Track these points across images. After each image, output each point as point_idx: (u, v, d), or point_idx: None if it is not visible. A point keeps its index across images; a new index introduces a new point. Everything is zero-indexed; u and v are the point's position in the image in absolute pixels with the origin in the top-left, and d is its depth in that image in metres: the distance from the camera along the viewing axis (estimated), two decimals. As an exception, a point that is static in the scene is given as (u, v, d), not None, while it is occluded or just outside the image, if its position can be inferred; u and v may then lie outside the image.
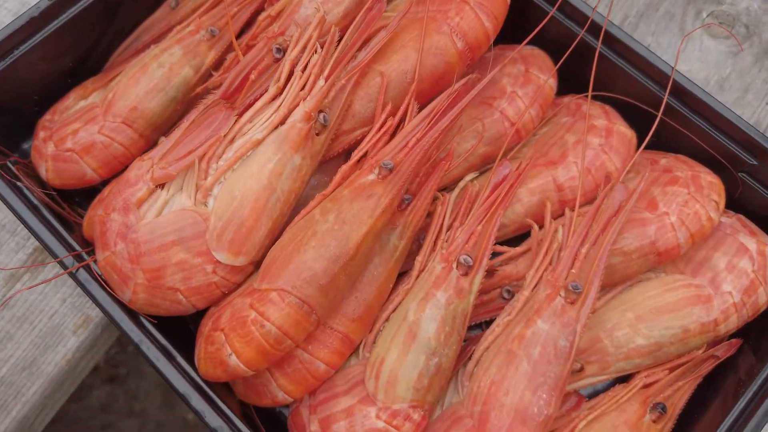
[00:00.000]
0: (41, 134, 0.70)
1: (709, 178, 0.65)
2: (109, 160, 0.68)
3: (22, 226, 0.70)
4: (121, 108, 0.68)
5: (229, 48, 0.71)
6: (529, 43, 0.69)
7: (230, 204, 0.57)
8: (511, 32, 0.68)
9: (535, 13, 0.71)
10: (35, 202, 0.62)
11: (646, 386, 0.63)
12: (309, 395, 0.61)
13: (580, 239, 0.60)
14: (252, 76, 0.62)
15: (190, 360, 0.58)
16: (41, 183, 0.70)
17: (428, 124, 0.60)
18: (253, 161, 0.58)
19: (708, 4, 0.84)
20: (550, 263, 0.61)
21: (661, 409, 0.61)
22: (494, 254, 0.65)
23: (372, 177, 0.59)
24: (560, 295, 0.59)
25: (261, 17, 0.68)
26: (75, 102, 0.73)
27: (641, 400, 0.62)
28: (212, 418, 0.55)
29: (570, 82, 0.72)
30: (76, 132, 0.68)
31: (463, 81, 0.61)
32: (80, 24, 0.71)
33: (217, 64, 0.71)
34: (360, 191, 0.58)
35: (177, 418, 1.53)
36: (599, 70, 0.66)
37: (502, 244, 0.67)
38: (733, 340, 0.64)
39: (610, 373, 0.63)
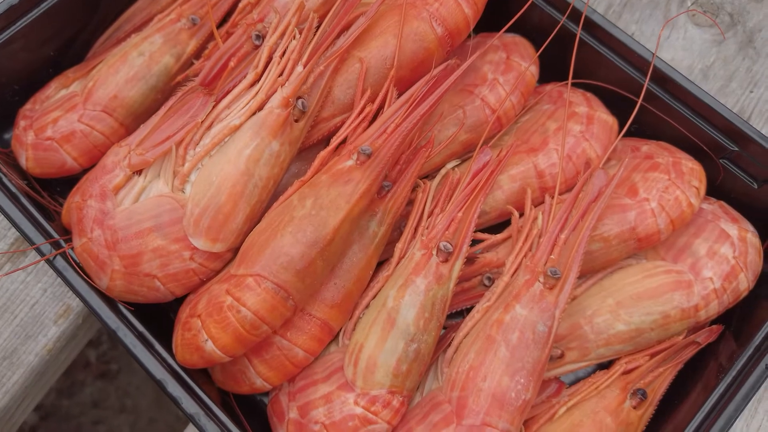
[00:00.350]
0: (21, 123, 0.70)
1: (690, 165, 0.65)
2: (89, 149, 0.68)
3: (2, 215, 0.70)
4: (101, 96, 0.67)
5: (210, 37, 0.71)
6: (510, 31, 0.69)
7: (207, 190, 0.57)
8: (492, 20, 0.68)
9: (516, 0, 0.70)
10: (14, 190, 0.62)
11: (627, 372, 0.62)
12: (288, 382, 0.61)
13: (560, 225, 0.60)
14: (231, 63, 0.62)
15: (169, 347, 0.58)
16: (22, 172, 0.70)
17: (407, 109, 0.59)
18: (230, 147, 0.58)
19: (693, -8, 0.84)
20: (529, 249, 0.61)
21: (641, 395, 0.61)
22: (475, 241, 0.65)
23: (350, 163, 0.58)
24: (539, 280, 0.58)
25: (241, 4, 0.68)
26: (56, 91, 0.72)
27: (621, 386, 0.62)
28: (189, 404, 0.55)
29: (552, 71, 0.72)
30: (56, 120, 0.67)
31: (442, 66, 0.61)
32: (62, 13, 0.71)
33: (198, 53, 0.71)
34: (338, 177, 0.58)
35: (169, 414, 1.53)
36: (581, 57, 0.66)
37: (482, 231, 0.67)
38: (714, 327, 0.64)
39: (590, 360, 0.63)
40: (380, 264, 0.64)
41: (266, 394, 0.63)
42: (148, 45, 0.69)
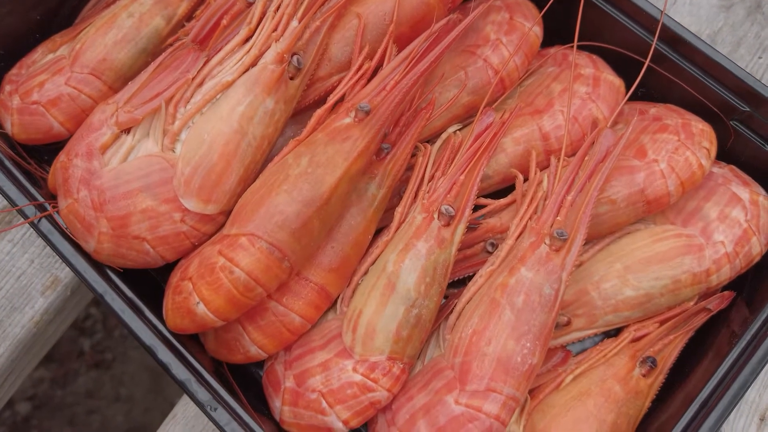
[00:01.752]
0: (7, 88, 0.67)
1: (700, 126, 0.63)
2: (77, 113, 0.65)
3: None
4: (89, 59, 0.65)
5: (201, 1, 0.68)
6: (513, -8, 0.66)
7: (199, 148, 0.54)
8: None
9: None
10: (-2, 154, 0.60)
11: (636, 340, 0.60)
12: (284, 351, 0.58)
13: (566, 186, 0.58)
14: (224, 21, 0.60)
15: (159, 314, 0.56)
16: (7, 139, 0.67)
17: (407, 66, 0.57)
18: (222, 104, 0.55)
19: (699, -43, 0.81)
20: (534, 212, 0.59)
21: (651, 363, 0.59)
22: (477, 207, 0.62)
23: (348, 120, 0.56)
24: (545, 242, 0.56)
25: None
26: (43, 56, 0.70)
27: (630, 354, 0.59)
28: (179, 371, 0.52)
29: (556, 35, 0.69)
30: (42, 84, 0.65)
31: (443, 21, 0.58)
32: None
33: (190, 15, 0.68)
34: (335, 134, 0.55)
35: (164, 403, 1.50)
36: (587, 19, 0.63)
37: (486, 197, 0.64)
38: (726, 293, 0.62)
39: (598, 327, 0.61)
40: (379, 231, 0.61)
41: (261, 365, 0.61)
42: (138, 6, 0.67)
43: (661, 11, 0.63)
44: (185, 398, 0.64)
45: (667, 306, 0.61)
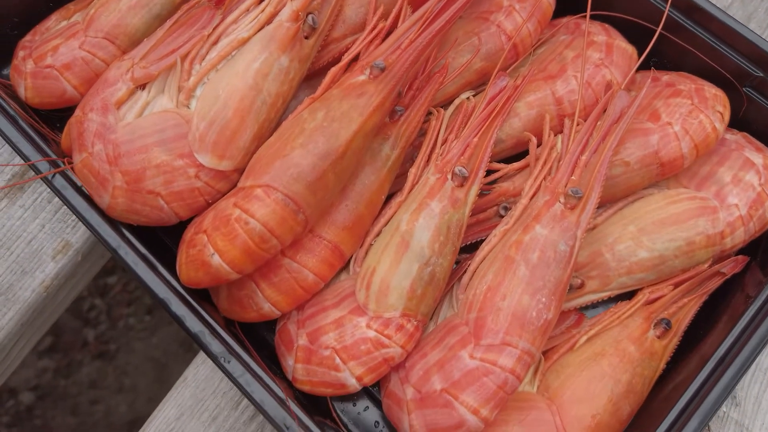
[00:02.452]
0: (20, 54, 0.67)
1: (713, 91, 0.63)
2: (90, 77, 0.65)
3: (1, 150, 0.67)
4: (103, 23, 0.65)
5: (217, -33, 0.68)
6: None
7: (214, 104, 0.54)
8: None
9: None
10: (12, 113, 0.60)
11: (650, 302, 0.60)
12: (297, 311, 0.58)
13: (581, 147, 0.58)
14: (239, -15, 0.60)
15: (172, 271, 0.55)
16: (21, 104, 0.67)
17: (422, 26, 0.57)
18: (238, 60, 0.56)
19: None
20: (549, 173, 0.58)
21: (665, 324, 0.58)
22: (490, 173, 0.62)
23: (363, 78, 0.56)
24: (559, 201, 0.56)
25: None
26: (56, 23, 0.70)
27: (645, 315, 0.59)
28: (193, 323, 0.52)
29: (569, 7, 0.69)
30: (56, 48, 0.65)
31: (457, -19, 0.58)
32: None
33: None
34: (350, 90, 0.55)
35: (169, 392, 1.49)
36: None
37: (498, 163, 0.64)
38: (740, 257, 0.62)
39: (612, 289, 0.61)
40: (391, 196, 0.61)
41: (272, 329, 0.60)
42: (153, -27, 0.67)
43: (674, -23, 0.63)
44: (195, 362, 0.64)
45: (681, 268, 0.60)
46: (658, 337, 0.58)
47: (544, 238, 0.54)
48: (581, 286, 0.60)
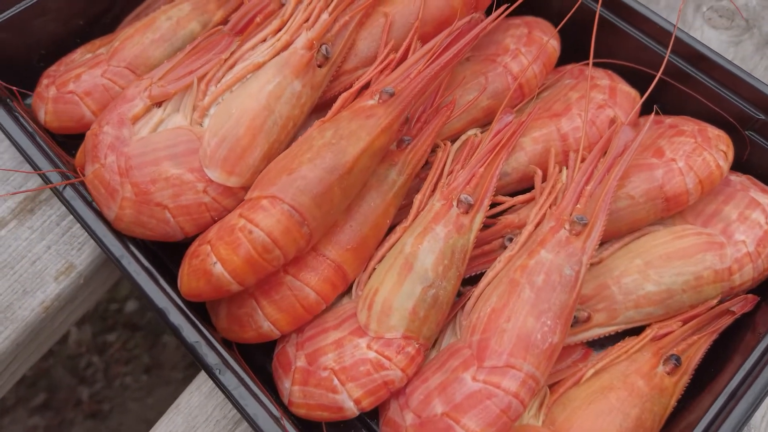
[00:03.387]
0: (44, 81, 0.70)
1: (716, 131, 0.64)
2: (109, 103, 0.67)
3: (14, 174, 0.69)
4: (126, 54, 0.68)
5: (236, 9, 0.72)
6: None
7: (226, 121, 0.56)
8: (516, 9, 0.69)
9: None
10: (30, 129, 0.61)
11: (658, 338, 0.58)
12: (296, 334, 0.57)
13: (585, 177, 0.58)
14: (257, 19, 0.63)
15: (173, 283, 0.55)
16: (40, 127, 0.69)
17: (430, 57, 0.59)
18: (252, 83, 0.57)
19: (707, -1, 0.86)
20: (554, 202, 0.59)
21: (675, 360, 0.57)
22: (495, 205, 0.62)
23: (372, 102, 0.58)
24: (565, 227, 0.56)
25: (270, -28, 0.70)
26: (81, 55, 0.73)
27: (653, 351, 0.57)
28: (190, 333, 0.51)
29: (573, 56, 0.72)
30: (79, 76, 0.68)
31: (466, 19, 0.61)
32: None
33: (224, 23, 0.72)
34: (360, 112, 0.57)
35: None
36: (603, 38, 0.66)
37: (504, 196, 0.64)
38: (750, 296, 0.60)
39: (619, 324, 0.59)
40: (394, 228, 0.61)
41: (270, 356, 0.59)
42: (177, 11, 0.71)
43: (674, 25, 0.66)
44: (189, 389, 0.62)
45: (689, 304, 0.59)
46: (668, 374, 0.56)
47: (549, 262, 0.54)
48: (588, 319, 0.59)
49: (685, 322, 0.59)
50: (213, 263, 0.51)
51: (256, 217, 0.51)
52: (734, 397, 0.51)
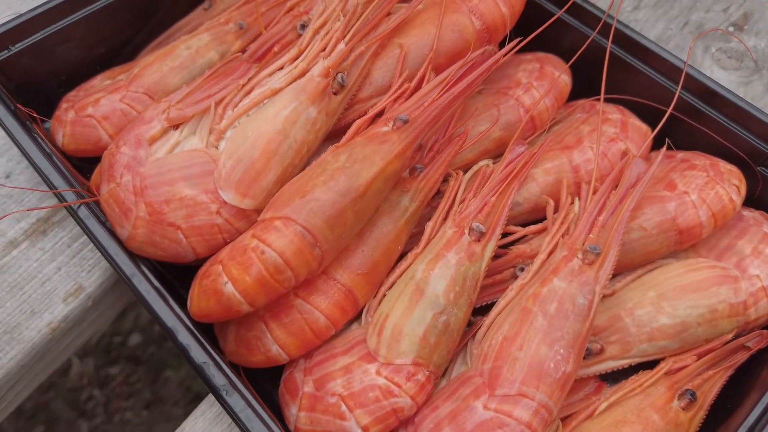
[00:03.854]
0: (63, 105, 0.72)
1: (728, 166, 0.64)
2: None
3: (29, 196, 0.70)
4: (145, 81, 0.70)
5: (254, 40, 0.74)
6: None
7: (242, 144, 0.57)
8: (527, 46, 0.70)
9: (554, 27, 0.73)
10: (47, 150, 0.62)
11: (673, 372, 0.57)
12: (304, 359, 0.56)
13: (598, 207, 0.58)
14: (275, 49, 0.64)
15: (182, 304, 0.55)
16: (57, 149, 0.70)
17: (444, 87, 0.60)
18: (268, 108, 0.58)
19: (717, 41, 0.87)
20: (566, 232, 0.58)
21: (690, 395, 0.55)
22: (506, 235, 0.62)
23: (386, 128, 0.58)
24: (577, 257, 0.56)
25: (289, 3, 0.72)
26: (101, 81, 0.75)
27: (668, 385, 0.56)
28: (198, 354, 0.50)
29: (586, 93, 0.73)
30: (98, 101, 0.69)
31: (479, 51, 0.62)
32: (118, 14, 0.76)
33: (242, 52, 0.73)
34: (374, 138, 0.57)
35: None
36: (614, 74, 0.67)
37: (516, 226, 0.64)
38: (766, 331, 0.59)
39: (632, 357, 0.58)
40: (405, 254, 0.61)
41: (277, 383, 0.58)
42: (196, 41, 0.73)
43: (684, 62, 0.67)
44: (194, 414, 0.61)
45: (704, 338, 0.58)
46: (683, 409, 0.55)
47: (562, 291, 0.53)
48: (601, 351, 0.58)
49: (700, 356, 0.58)
50: (224, 283, 0.51)
51: (268, 237, 0.51)
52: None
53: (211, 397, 0.62)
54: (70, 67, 0.76)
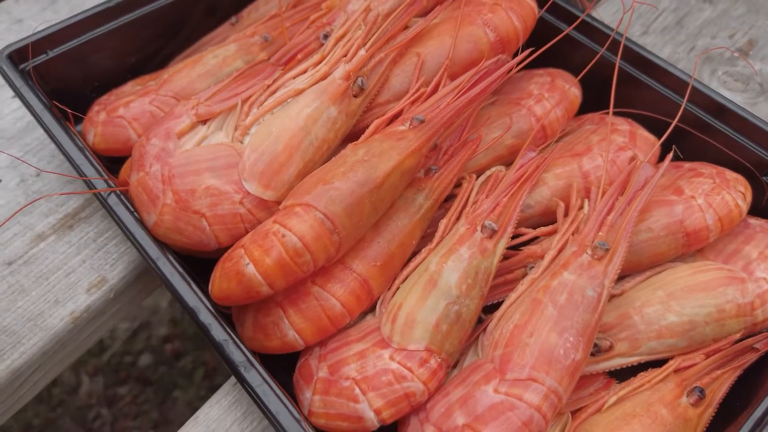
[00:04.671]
0: (95, 108, 0.75)
1: (734, 174, 0.66)
2: (155, 128, 0.71)
3: (58, 192, 0.73)
4: (174, 85, 0.73)
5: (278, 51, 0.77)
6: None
7: (266, 139, 0.59)
8: (540, 62, 0.73)
9: (566, 43, 0.76)
10: (80, 144, 0.65)
11: (681, 369, 0.58)
12: (319, 347, 0.58)
13: (607, 207, 0.60)
14: (299, 56, 0.68)
15: (203, 289, 0.57)
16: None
17: (458, 92, 0.63)
18: (292, 106, 0.61)
19: (723, 65, 0.90)
20: (576, 230, 0.60)
21: (699, 392, 0.56)
22: (516, 236, 0.64)
23: (403, 127, 0.61)
24: (587, 252, 0.57)
25: (313, 17, 0.76)
26: (132, 87, 0.79)
27: (677, 382, 0.57)
28: (218, 332, 0.52)
29: (596, 107, 0.75)
30: (128, 103, 0.72)
31: (493, 59, 0.65)
32: (150, 27, 0.80)
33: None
34: (391, 134, 0.60)
35: None
36: (624, 89, 0.70)
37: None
38: (774, 334, 0.60)
39: (641, 355, 0.59)
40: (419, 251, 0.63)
41: (292, 375, 0.59)
42: (223, 51, 0.76)
43: (691, 76, 0.70)
44: (209, 402, 0.62)
45: (712, 338, 0.59)
46: (692, 405, 0.56)
47: (572, 283, 0.55)
48: (610, 347, 0.59)
49: (708, 355, 0.59)
50: (246, 264, 0.53)
51: (289, 222, 0.53)
52: (759, 425, 0.50)
53: (225, 387, 0.63)
54: (102, 73, 0.80)
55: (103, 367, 1.65)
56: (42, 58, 0.73)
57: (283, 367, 0.60)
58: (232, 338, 0.52)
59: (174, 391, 1.61)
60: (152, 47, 0.83)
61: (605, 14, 0.94)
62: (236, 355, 0.51)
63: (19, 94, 0.67)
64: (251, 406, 0.62)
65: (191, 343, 1.68)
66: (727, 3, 0.98)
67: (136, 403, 1.61)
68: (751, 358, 0.59)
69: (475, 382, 0.52)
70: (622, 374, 0.60)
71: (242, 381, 0.50)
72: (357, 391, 0.53)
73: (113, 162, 0.72)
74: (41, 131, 0.80)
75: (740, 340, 0.60)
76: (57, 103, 0.69)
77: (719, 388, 0.58)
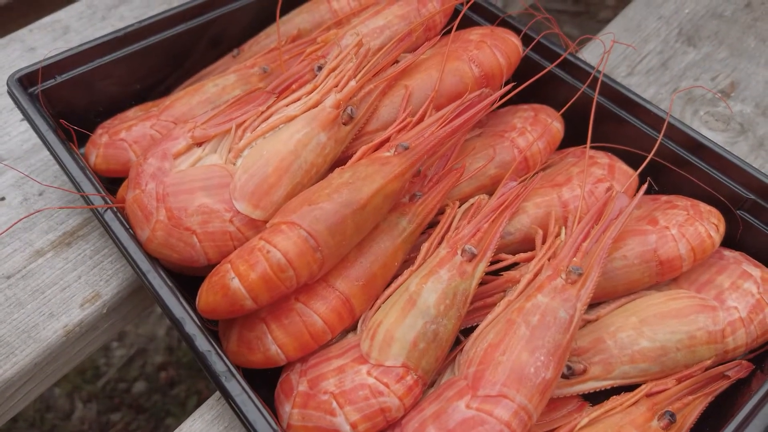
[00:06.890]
0: (99, 131, 0.79)
1: (708, 207, 0.68)
2: (154, 151, 0.75)
3: (58, 213, 0.76)
4: (175, 111, 0.77)
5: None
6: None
7: (257, 161, 0.63)
8: (525, 98, 0.77)
9: (550, 81, 0.80)
10: (82, 164, 0.69)
11: (652, 394, 0.59)
12: (300, 363, 0.59)
13: (583, 234, 0.62)
14: (293, 87, 0.71)
15: (190, 303, 0.59)
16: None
17: (443, 122, 0.66)
18: (284, 131, 0.65)
19: (705, 105, 0.94)
20: (553, 255, 0.63)
21: (669, 416, 0.57)
22: (495, 263, 0.66)
23: (389, 154, 0.64)
24: (561, 276, 0.59)
25: (308, 50, 0.79)
26: (135, 113, 0.82)
27: (648, 405, 0.58)
28: (202, 343, 0.54)
29: (578, 143, 0.78)
30: (130, 127, 0.76)
31: (477, 92, 0.69)
32: (154, 58, 0.84)
33: (263, 90, 0.81)
34: (376, 159, 0.63)
35: None
36: (605, 126, 0.73)
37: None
38: (745, 362, 0.62)
39: (614, 379, 0.61)
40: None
41: (273, 387, 0.61)
42: (223, 80, 0.80)
43: (667, 112, 0.73)
44: (192, 416, 0.64)
45: (684, 364, 0.61)
46: (663, 429, 0.57)
47: (545, 305, 0.57)
48: (584, 371, 0.61)
49: (679, 381, 0.60)
50: (231, 278, 0.55)
51: (274, 239, 0.56)
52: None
53: (209, 402, 0.65)
54: (107, 100, 0.83)
55: (97, 394, 1.66)
56: (50, 82, 0.77)
57: (266, 384, 0.61)
58: (215, 349, 0.54)
59: (166, 419, 1.61)
60: (157, 76, 0.87)
61: (591, 56, 0.98)
62: (218, 365, 0.53)
63: (26, 115, 0.71)
64: (233, 420, 0.63)
65: (186, 371, 1.68)
66: (711, 47, 1.02)
67: (128, 430, 1.60)
68: (722, 385, 0.61)
69: (449, 398, 0.53)
70: (596, 398, 0.61)
71: (223, 390, 0.52)
72: (334, 404, 0.54)
73: (114, 183, 0.76)
74: (46, 152, 0.84)
75: (712, 366, 0.61)
76: (63, 121, 0.73)
77: (690, 413, 0.59)
